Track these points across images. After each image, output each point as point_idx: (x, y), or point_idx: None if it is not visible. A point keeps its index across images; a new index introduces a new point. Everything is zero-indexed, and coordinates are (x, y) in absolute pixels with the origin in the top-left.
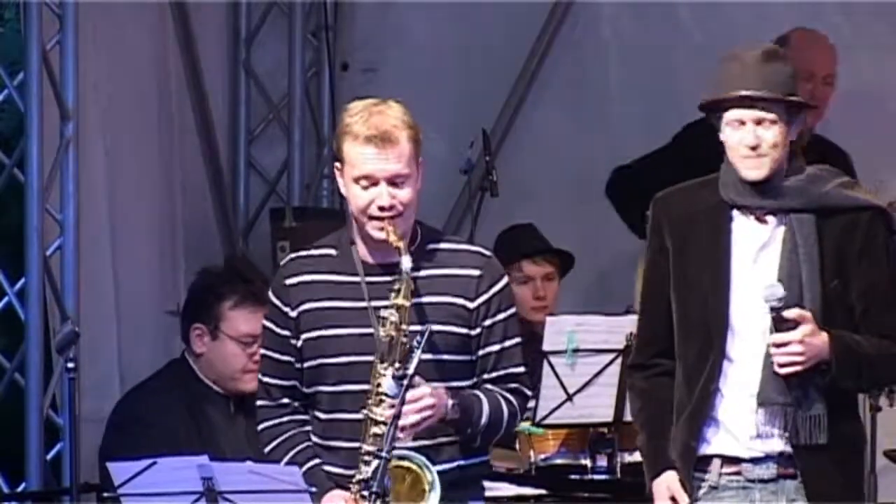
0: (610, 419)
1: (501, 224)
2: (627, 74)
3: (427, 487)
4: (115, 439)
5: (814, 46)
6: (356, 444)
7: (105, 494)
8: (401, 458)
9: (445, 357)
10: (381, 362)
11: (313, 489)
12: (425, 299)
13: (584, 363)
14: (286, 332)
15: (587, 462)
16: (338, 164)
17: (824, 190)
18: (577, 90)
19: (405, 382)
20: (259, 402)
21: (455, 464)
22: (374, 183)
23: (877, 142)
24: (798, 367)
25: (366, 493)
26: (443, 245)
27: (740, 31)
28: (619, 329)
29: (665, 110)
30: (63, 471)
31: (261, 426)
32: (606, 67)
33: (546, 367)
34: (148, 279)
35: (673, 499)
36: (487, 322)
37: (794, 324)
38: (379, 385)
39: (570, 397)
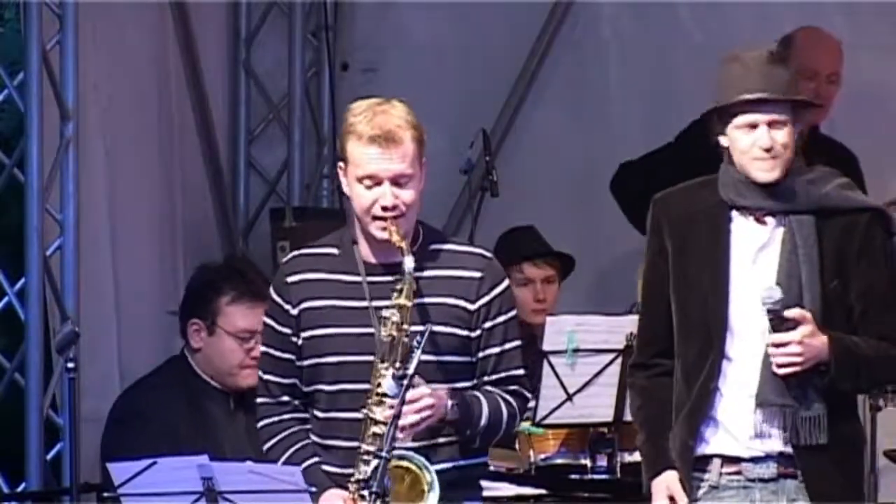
0: (610, 419)
1: (501, 224)
2: (627, 74)
3: (426, 488)
4: (116, 435)
5: (818, 45)
6: (354, 444)
7: (105, 494)
8: (400, 458)
9: (446, 358)
10: (382, 362)
11: (313, 489)
12: (426, 300)
13: (584, 363)
14: (287, 330)
15: (587, 462)
16: (341, 164)
17: (824, 191)
18: (577, 90)
19: (405, 382)
20: (259, 400)
21: (454, 464)
22: (378, 183)
23: (877, 142)
24: (797, 368)
25: (365, 492)
26: (444, 246)
27: (740, 31)
28: (620, 329)
29: (665, 110)
30: (63, 471)
31: (260, 423)
32: (606, 67)
33: (546, 367)
34: (148, 279)
35: (672, 498)
36: (488, 324)
37: (793, 324)
38: (379, 385)
39: (570, 397)
